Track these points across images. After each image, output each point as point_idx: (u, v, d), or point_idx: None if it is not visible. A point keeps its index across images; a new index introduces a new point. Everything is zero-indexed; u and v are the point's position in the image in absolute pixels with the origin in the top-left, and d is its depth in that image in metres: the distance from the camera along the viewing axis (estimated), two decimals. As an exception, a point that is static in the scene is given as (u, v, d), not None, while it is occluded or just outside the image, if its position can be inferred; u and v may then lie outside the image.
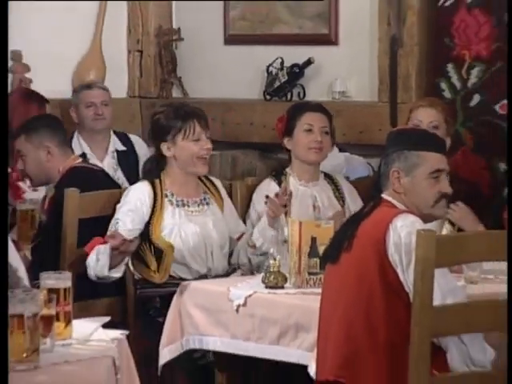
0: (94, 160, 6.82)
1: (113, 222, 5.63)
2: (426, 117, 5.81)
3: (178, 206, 5.65)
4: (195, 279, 5.52)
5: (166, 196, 5.65)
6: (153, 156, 5.87)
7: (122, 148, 7.04)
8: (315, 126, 5.93)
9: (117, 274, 5.53)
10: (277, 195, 5.50)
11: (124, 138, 7.10)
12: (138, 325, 5.57)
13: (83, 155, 6.76)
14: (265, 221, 5.51)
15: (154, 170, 5.76)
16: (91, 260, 5.48)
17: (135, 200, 5.64)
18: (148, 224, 5.61)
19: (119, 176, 6.84)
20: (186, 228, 5.63)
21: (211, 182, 5.83)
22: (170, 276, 5.59)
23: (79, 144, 6.92)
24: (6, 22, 4.05)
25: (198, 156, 5.63)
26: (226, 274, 5.68)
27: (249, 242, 5.59)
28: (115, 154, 7.01)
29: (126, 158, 7.01)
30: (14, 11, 6.91)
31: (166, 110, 5.80)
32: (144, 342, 5.37)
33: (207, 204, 5.74)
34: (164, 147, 5.66)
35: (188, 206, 5.68)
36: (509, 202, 4.23)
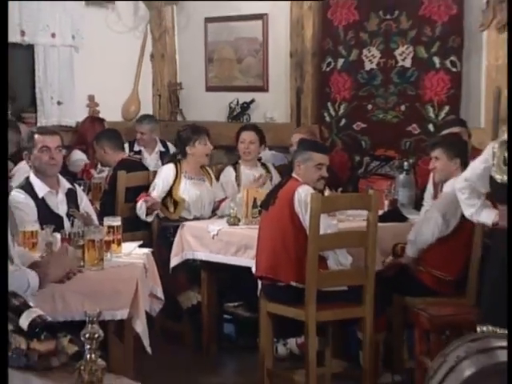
0: (145, 154, 6.67)
1: (153, 184, 5.55)
2: (296, 138, 5.64)
3: (188, 179, 5.56)
4: (192, 219, 5.47)
5: (182, 172, 5.56)
6: (176, 152, 5.78)
7: (162, 149, 6.85)
8: (246, 139, 5.83)
9: (149, 219, 5.49)
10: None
11: (164, 143, 6.92)
12: (159, 243, 5.49)
13: (139, 151, 6.68)
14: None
15: (176, 158, 5.65)
16: (137, 208, 5.44)
17: (166, 173, 5.57)
18: (171, 187, 5.53)
19: (159, 164, 6.59)
20: (192, 191, 5.54)
21: (206, 170, 5.72)
22: (180, 216, 5.51)
23: (137, 145, 6.76)
24: (6, 22, 2.98)
25: (205, 154, 5.58)
26: (209, 218, 5.58)
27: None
28: (159, 152, 6.82)
29: (165, 155, 6.81)
30: (90, 70, 6.88)
31: (188, 128, 5.69)
32: (161, 254, 5.27)
33: (203, 180, 5.64)
34: (188, 148, 5.56)
35: (194, 179, 5.58)
36: (509, 200, 3.60)
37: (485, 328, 3.67)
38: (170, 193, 5.54)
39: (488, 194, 3.93)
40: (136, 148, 6.71)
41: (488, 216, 3.85)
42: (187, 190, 5.55)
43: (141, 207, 5.44)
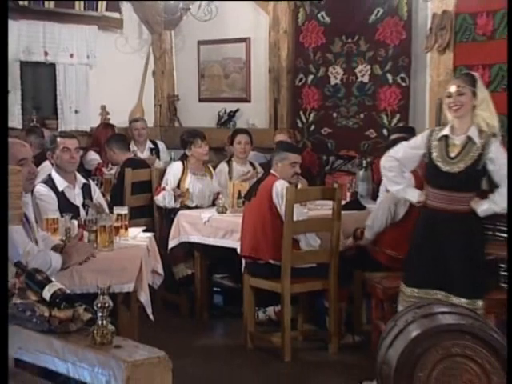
0: (138, 153, 6.58)
1: (165, 179, 5.49)
2: (278, 138, 5.72)
3: (193, 174, 5.51)
4: (194, 207, 5.41)
5: (188, 169, 5.50)
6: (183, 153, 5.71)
7: (152, 146, 6.80)
8: (242, 141, 5.79)
9: (178, 205, 5.39)
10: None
11: (154, 143, 6.87)
12: (163, 224, 5.44)
13: (133, 150, 6.64)
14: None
15: (183, 157, 5.56)
16: (160, 199, 5.39)
17: (175, 169, 5.52)
18: (179, 180, 5.47)
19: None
20: (195, 184, 5.49)
21: (208, 167, 5.68)
22: (184, 204, 5.43)
23: (133, 146, 6.68)
24: (6, 22, 2.62)
25: (202, 154, 5.50)
26: (208, 207, 5.51)
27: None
28: (149, 149, 6.77)
29: (155, 152, 6.80)
30: (102, 84, 6.83)
31: (186, 133, 5.64)
32: (163, 235, 5.27)
33: (205, 176, 5.59)
34: (187, 150, 5.51)
35: (197, 175, 5.53)
36: (509, 199, 3.43)
37: (409, 291, 3.72)
38: (178, 185, 5.51)
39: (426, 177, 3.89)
40: (132, 148, 6.68)
41: (413, 195, 3.84)
42: (192, 183, 5.52)
43: (164, 198, 5.40)
